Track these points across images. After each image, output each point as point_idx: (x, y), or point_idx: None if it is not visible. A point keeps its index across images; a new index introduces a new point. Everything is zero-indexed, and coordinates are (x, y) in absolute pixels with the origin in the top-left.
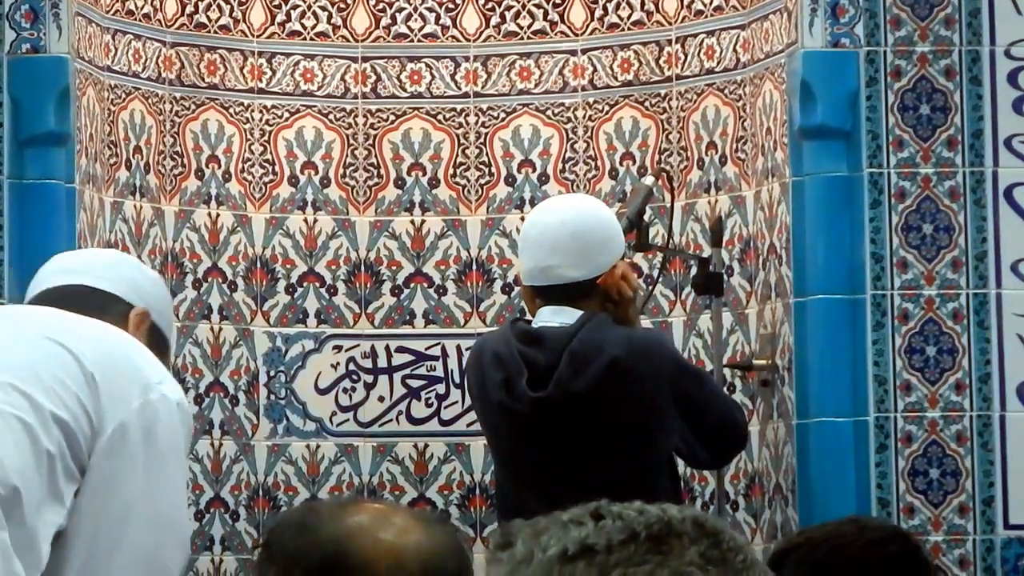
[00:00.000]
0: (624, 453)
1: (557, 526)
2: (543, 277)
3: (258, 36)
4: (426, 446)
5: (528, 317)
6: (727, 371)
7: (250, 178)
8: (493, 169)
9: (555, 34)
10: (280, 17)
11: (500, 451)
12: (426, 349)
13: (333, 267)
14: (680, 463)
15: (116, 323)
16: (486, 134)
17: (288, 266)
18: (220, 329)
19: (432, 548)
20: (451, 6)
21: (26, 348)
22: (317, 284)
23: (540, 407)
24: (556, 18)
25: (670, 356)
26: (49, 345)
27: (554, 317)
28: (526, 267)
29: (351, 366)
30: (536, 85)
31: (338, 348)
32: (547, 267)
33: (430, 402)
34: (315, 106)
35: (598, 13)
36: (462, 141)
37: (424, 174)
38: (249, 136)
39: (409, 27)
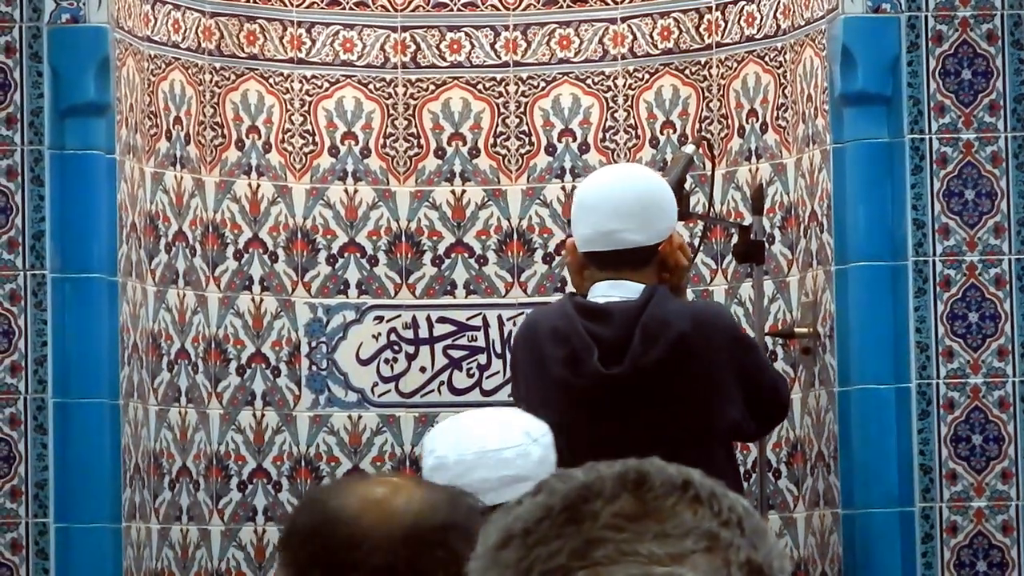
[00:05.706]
0: (686, 426)
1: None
2: (604, 242)
3: (297, 6)
4: None
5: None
6: (769, 339)
7: (290, 148)
8: (533, 139)
9: (595, 2)
10: None
11: (557, 425)
12: (467, 319)
13: (374, 237)
14: None
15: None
16: (526, 103)
17: (329, 236)
18: (261, 300)
19: (423, 499)
20: None
21: None
22: (358, 254)
23: (608, 382)
24: None
25: (731, 329)
26: None
27: (612, 291)
28: (585, 233)
29: (392, 336)
30: (576, 54)
31: (379, 319)
32: (610, 231)
33: (471, 372)
34: (355, 76)
35: None
36: (502, 111)
37: (464, 144)
38: (289, 106)
39: None
